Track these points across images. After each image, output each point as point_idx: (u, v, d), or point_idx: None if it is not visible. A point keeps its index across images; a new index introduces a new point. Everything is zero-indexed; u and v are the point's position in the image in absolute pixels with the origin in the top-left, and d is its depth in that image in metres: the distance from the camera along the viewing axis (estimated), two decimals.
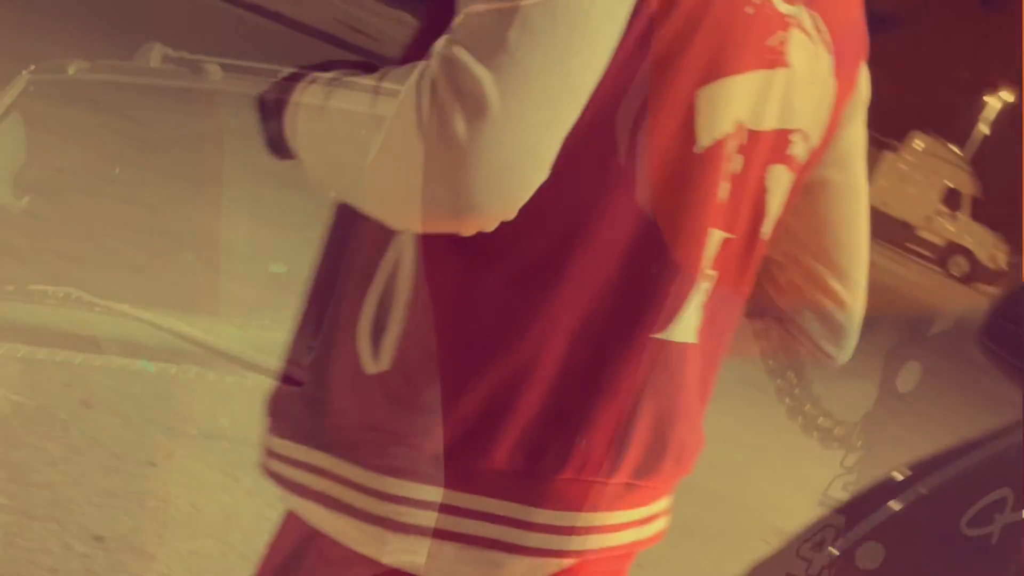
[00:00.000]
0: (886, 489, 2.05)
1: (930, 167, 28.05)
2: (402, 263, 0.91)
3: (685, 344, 1.00)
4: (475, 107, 0.77)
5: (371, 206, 0.87)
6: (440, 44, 0.81)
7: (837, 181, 1.16)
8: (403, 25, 17.08)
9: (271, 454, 1.00)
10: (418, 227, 0.86)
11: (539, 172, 0.81)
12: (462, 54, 0.78)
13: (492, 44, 0.79)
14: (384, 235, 0.91)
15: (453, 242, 0.86)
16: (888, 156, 29.68)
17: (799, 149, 1.06)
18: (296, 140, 0.95)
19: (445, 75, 0.78)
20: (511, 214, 0.82)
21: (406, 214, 0.83)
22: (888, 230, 31.11)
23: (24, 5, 6.99)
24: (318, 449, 0.95)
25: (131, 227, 4.05)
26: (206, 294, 3.65)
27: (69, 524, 2.32)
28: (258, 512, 2.61)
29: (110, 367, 2.91)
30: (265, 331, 3.63)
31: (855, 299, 1.20)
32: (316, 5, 13.66)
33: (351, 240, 0.97)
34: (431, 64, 0.80)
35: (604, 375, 0.93)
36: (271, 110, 0.98)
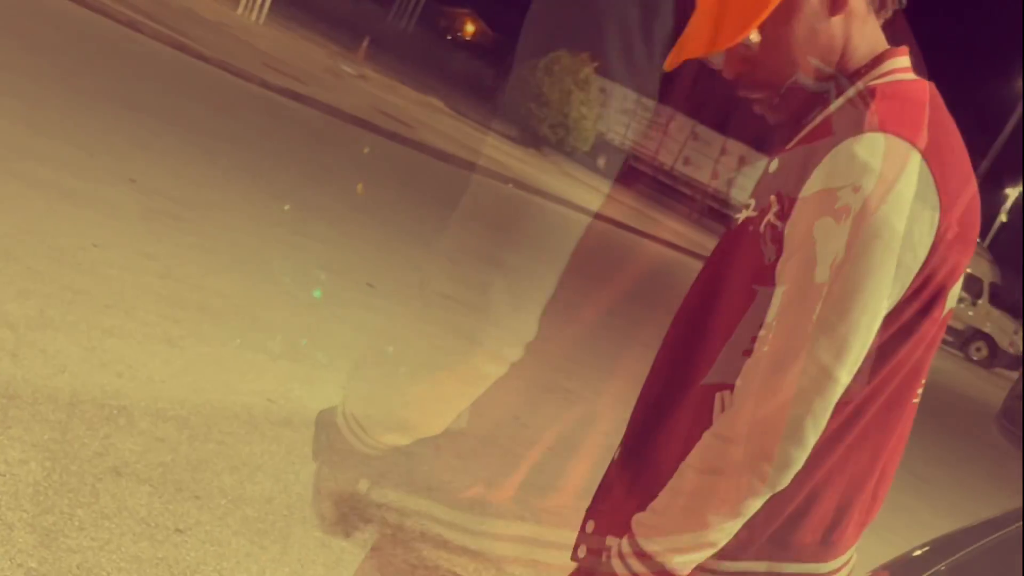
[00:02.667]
0: (907, 566, 2.06)
1: None
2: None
3: None
4: None
5: None
6: None
7: None
8: (435, 111, 17.41)
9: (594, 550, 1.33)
10: None
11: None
12: None
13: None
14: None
15: None
16: None
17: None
18: None
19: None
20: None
21: None
22: None
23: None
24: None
25: (165, 301, 4.12)
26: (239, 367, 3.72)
27: None
28: None
29: (140, 436, 2.96)
30: (291, 402, 3.69)
31: None
32: (351, 92, 13.95)
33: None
34: None
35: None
36: None
